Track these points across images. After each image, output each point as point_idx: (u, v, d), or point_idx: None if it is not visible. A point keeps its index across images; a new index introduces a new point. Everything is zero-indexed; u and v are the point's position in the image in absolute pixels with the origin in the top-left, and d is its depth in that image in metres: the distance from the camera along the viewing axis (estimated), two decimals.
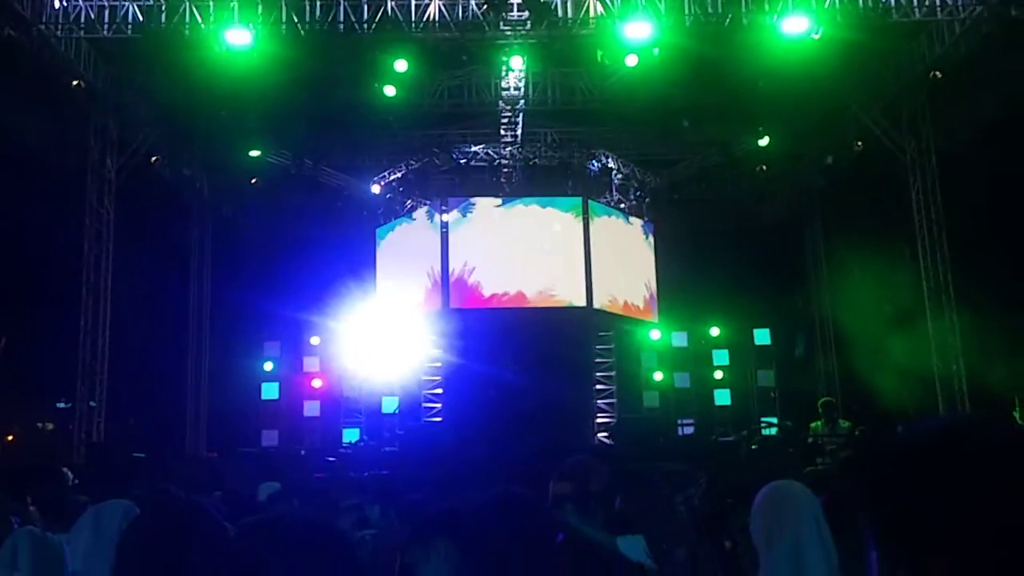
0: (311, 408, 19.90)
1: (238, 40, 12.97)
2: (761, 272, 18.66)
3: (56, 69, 14.23)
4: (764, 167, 18.64)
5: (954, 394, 14.84)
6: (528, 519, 2.38)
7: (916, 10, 13.73)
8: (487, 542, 2.36)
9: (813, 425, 12.31)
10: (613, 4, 13.68)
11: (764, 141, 17.67)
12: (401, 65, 14.00)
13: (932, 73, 14.52)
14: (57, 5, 13.49)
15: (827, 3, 13.41)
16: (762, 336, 20.54)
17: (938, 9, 13.77)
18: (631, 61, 14.09)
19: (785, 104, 15.34)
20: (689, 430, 19.06)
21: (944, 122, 15.63)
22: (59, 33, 13.72)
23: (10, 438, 17.91)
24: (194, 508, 2.21)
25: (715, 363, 20.50)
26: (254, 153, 17.29)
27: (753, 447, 12.99)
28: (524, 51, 14.31)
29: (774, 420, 17.78)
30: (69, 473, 10.15)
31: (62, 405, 15.44)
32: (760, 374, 20.40)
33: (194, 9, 13.29)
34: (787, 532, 2.80)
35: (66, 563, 2.72)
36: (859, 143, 16.94)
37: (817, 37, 13.14)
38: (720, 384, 20.40)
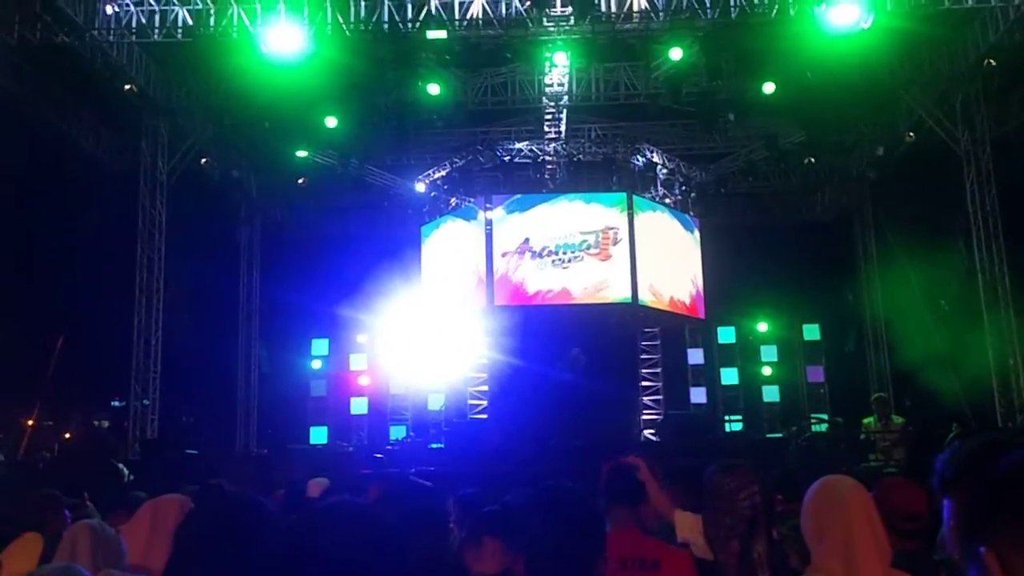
0: (358, 405, 20.06)
1: (289, 46, 13.07)
2: (810, 266, 18.41)
3: (108, 73, 14.56)
4: (812, 160, 18.35)
5: (1011, 390, 14.48)
6: (578, 513, 2.38)
7: None
8: (537, 536, 2.36)
9: (866, 421, 12.12)
10: None
11: (812, 133, 17.40)
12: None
13: (986, 61, 14.17)
14: (109, 11, 13.76)
15: None
16: (811, 331, 20.22)
17: None
18: (675, 55, 13.99)
19: (834, 95, 15.08)
20: (737, 427, 18.84)
21: (999, 111, 15.25)
22: (111, 38, 14.01)
23: (67, 435, 18.34)
24: (248, 501, 2.24)
25: (763, 359, 20.24)
26: (301, 153, 17.50)
27: (803, 443, 12.84)
28: (567, 47, 14.26)
29: (824, 416, 17.51)
30: (124, 469, 10.41)
31: (117, 403, 15.77)
32: (809, 370, 20.10)
33: (242, 13, 13.47)
34: (838, 526, 2.76)
35: (125, 554, 2.78)
36: (911, 134, 16.61)
37: (866, 26, 12.88)
38: (768, 380, 20.14)
